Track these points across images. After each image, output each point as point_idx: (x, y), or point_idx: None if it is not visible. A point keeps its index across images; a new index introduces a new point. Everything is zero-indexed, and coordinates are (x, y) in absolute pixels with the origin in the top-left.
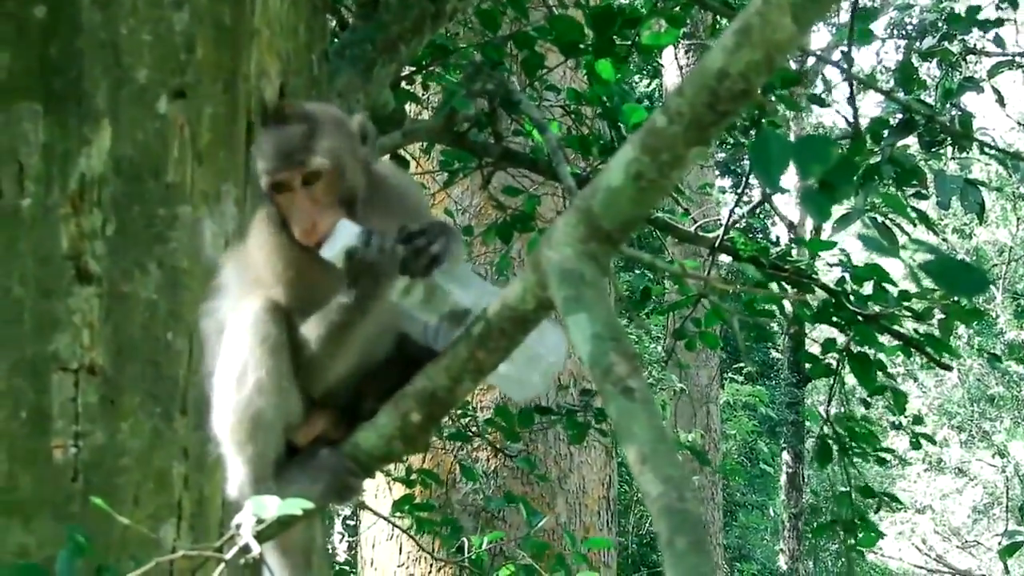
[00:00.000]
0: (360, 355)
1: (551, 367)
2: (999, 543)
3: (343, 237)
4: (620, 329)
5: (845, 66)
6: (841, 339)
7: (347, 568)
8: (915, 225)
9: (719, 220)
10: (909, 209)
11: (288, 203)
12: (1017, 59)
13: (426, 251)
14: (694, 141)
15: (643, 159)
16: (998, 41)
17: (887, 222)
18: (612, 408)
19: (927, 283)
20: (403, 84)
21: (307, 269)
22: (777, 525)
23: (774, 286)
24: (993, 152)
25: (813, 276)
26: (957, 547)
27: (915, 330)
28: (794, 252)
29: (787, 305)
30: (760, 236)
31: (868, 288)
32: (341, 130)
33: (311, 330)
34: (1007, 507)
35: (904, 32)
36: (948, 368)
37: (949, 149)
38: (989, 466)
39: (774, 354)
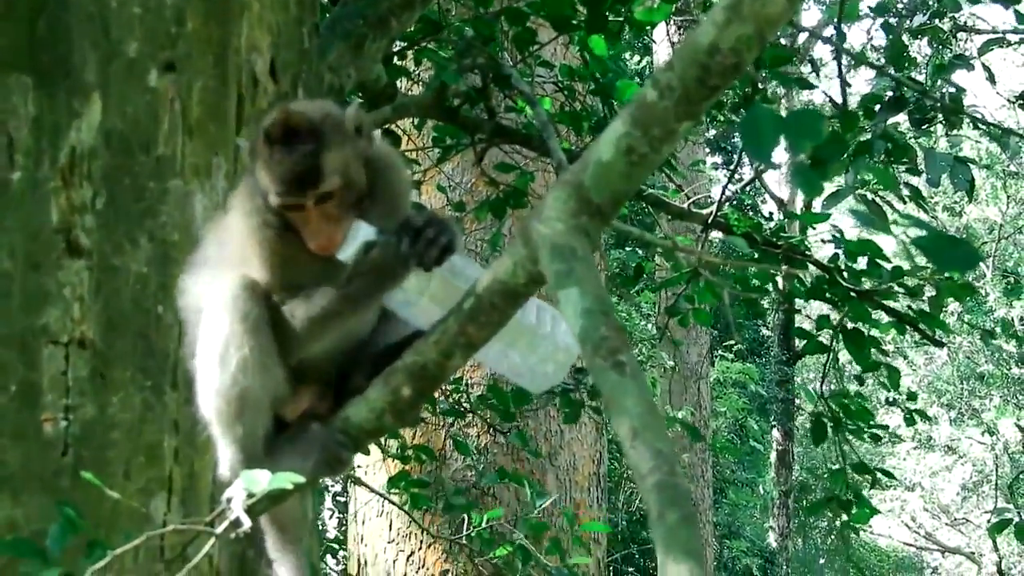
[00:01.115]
0: (348, 335)
1: (567, 358)
2: (988, 520)
3: (357, 237)
4: (610, 304)
5: (836, 41)
6: (834, 316)
7: (335, 545)
8: (905, 202)
9: (710, 197)
10: (901, 186)
11: (301, 220)
12: (1007, 36)
13: (436, 242)
14: (685, 116)
15: (634, 133)
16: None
17: (877, 199)
18: (603, 382)
19: (919, 259)
20: (394, 59)
21: (291, 254)
22: (767, 502)
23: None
24: (986, 127)
25: (806, 252)
26: (946, 524)
27: (908, 307)
28: (787, 229)
29: (779, 282)
30: (751, 214)
31: (862, 264)
32: (342, 135)
33: (298, 311)
34: (996, 485)
35: (895, 10)
36: (941, 345)
37: (939, 127)
38: (978, 444)
39: (764, 332)
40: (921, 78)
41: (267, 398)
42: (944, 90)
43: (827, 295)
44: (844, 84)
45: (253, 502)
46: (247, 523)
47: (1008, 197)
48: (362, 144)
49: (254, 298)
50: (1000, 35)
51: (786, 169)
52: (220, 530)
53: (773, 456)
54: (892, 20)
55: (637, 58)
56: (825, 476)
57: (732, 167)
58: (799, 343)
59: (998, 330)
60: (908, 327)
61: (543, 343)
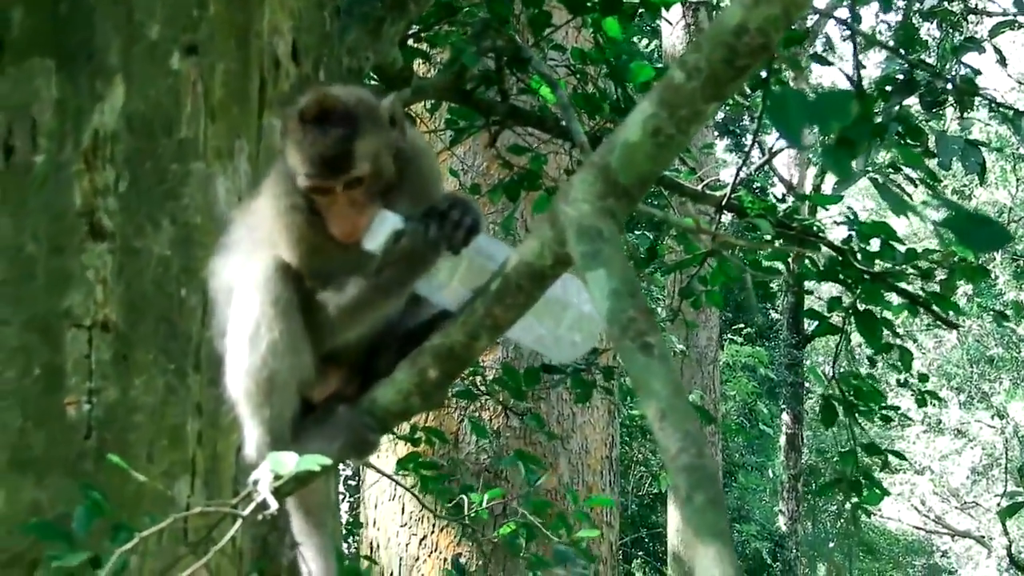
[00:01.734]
0: (378, 321)
1: (593, 327)
2: (998, 504)
3: (384, 228)
4: (638, 285)
5: (852, 24)
6: (846, 298)
7: (347, 529)
8: (916, 185)
9: (719, 180)
10: (913, 169)
11: (328, 204)
12: (1018, 19)
13: (462, 223)
14: (712, 97)
15: (661, 114)
16: None
17: (888, 181)
18: (631, 364)
19: (934, 243)
20: (411, 42)
21: (318, 239)
22: (776, 486)
23: (780, 243)
24: (1001, 110)
25: (820, 234)
26: (956, 508)
27: (922, 288)
28: (800, 211)
29: (790, 263)
30: (760, 196)
31: (875, 246)
32: (376, 123)
33: (330, 301)
34: (1006, 468)
35: None
36: (955, 326)
37: (949, 110)
38: (988, 427)
39: (774, 315)
40: (931, 61)
41: (295, 381)
42: (956, 72)
43: (840, 277)
44: (859, 66)
45: (280, 484)
46: (274, 505)
47: (1017, 180)
48: (395, 135)
49: (286, 281)
50: (1011, 17)
51: (794, 153)
52: (247, 512)
53: (782, 440)
54: (903, 2)
55: (645, 41)
56: (834, 460)
57: (747, 150)
58: (808, 326)
59: (1010, 313)
60: (921, 309)
61: (569, 313)
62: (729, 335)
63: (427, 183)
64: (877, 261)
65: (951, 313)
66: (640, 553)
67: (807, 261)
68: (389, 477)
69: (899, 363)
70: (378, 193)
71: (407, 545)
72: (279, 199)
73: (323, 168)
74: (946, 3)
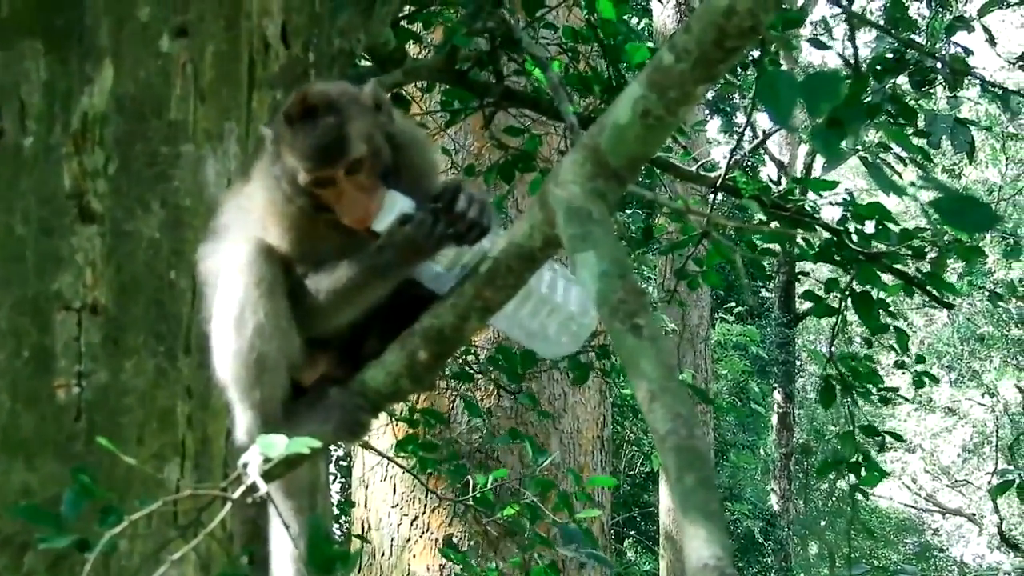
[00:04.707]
0: (370, 306)
1: (582, 328)
2: (988, 482)
3: (395, 209)
4: (628, 266)
5: (846, 4)
6: (843, 278)
7: (338, 510)
8: (905, 165)
9: (712, 160)
10: (904, 149)
11: (334, 195)
12: None
13: (478, 223)
14: (702, 78)
15: (650, 96)
16: None
17: (878, 161)
18: (621, 345)
19: (923, 222)
20: (403, 23)
21: (312, 228)
22: (768, 465)
23: (775, 225)
24: (991, 88)
25: (815, 215)
26: (947, 486)
27: (917, 269)
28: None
29: (785, 244)
30: (752, 175)
31: (869, 227)
32: (362, 108)
33: (324, 283)
34: (996, 446)
35: None
36: (950, 307)
37: (939, 89)
38: (979, 405)
39: (765, 294)
40: (920, 40)
41: (284, 362)
42: (946, 51)
43: (836, 257)
44: (855, 47)
45: (270, 467)
46: (263, 488)
47: (1007, 159)
48: (382, 119)
49: (269, 262)
50: None
51: (787, 133)
52: (237, 495)
53: (774, 419)
54: None
55: (636, 20)
56: (827, 438)
57: (741, 130)
58: (800, 305)
59: (1004, 292)
60: (916, 289)
61: (556, 314)
62: (720, 314)
63: (423, 171)
64: (872, 242)
65: (945, 293)
66: (632, 532)
67: (803, 242)
68: (387, 457)
69: (894, 344)
70: (381, 176)
71: (399, 526)
72: (271, 191)
73: (321, 157)
74: None
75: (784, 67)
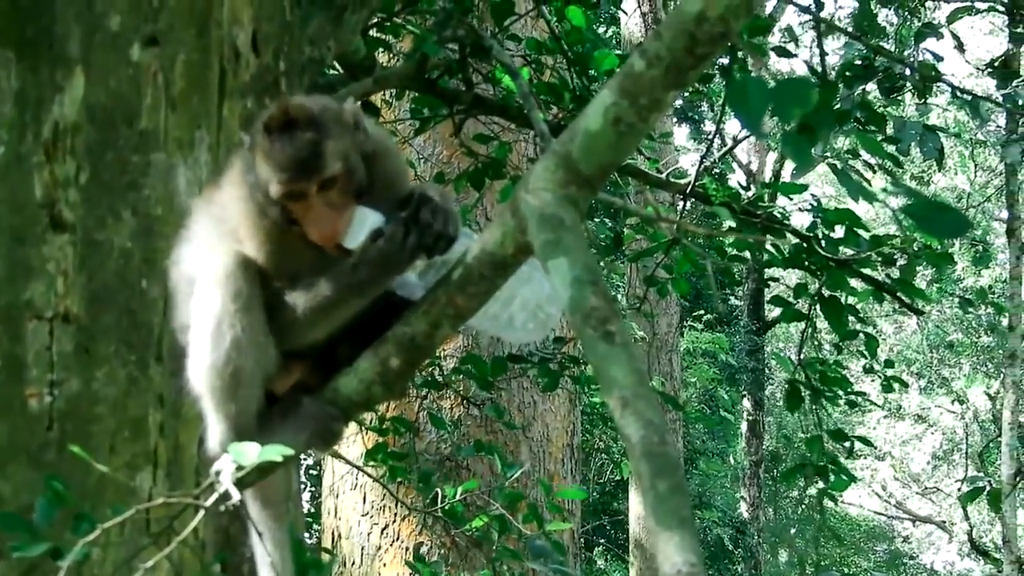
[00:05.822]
0: (346, 320)
1: (549, 317)
2: (958, 489)
3: (364, 226)
4: (599, 273)
5: (814, 12)
6: (811, 285)
7: (308, 519)
8: (874, 172)
9: (680, 168)
10: (873, 156)
11: (303, 210)
12: (976, 4)
13: (444, 233)
14: (672, 85)
15: (621, 103)
16: None
17: (847, 167)
18: (592, 352)
19: (892, 228)
20: (373, 31)
21: (285, 242)
22: (738, 472)
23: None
24: (962, 95)
25: (784, 221)
26: (917, 493)
27: (887, 275)
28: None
29: (755, 251)
30: (720, 182)
31: (839, 233)
32: (342, 126)
33: (301, 300)
34: (967, 453)
35: None
36: (920, 313)
37: (907, 96)
38: (948, 412)
39: (734, 301)
40: (889, 46)
41: (260, 375)
42: (915, 58)
43: (805, 264)
44: (823, 54)
45: (243, 475)
46: (236, 496)
47: (976, 166)
48: (360, 137)
49: (247, 275)
50: (969, 3)
51: (756, 139)
52: (209, 503)
53: (744, 426)
54: None
55: (603, 28)
56: (796, 445)
57: (711, 137)
58: (769, 312)
59: (974, 298)
60: (886, 295)
61: (527, 300)
62: (689, 321)
63: (394, 181)
64: (841, 248)
65: (916, 299)
66: (602, 541)
67: (772, 248)
68: (356, 467)
69: (863, 349)
70: (353, 195)
71: (368, 535)
72: (246, 202)
73: (295, 171)
74: None
75: (754, 74)
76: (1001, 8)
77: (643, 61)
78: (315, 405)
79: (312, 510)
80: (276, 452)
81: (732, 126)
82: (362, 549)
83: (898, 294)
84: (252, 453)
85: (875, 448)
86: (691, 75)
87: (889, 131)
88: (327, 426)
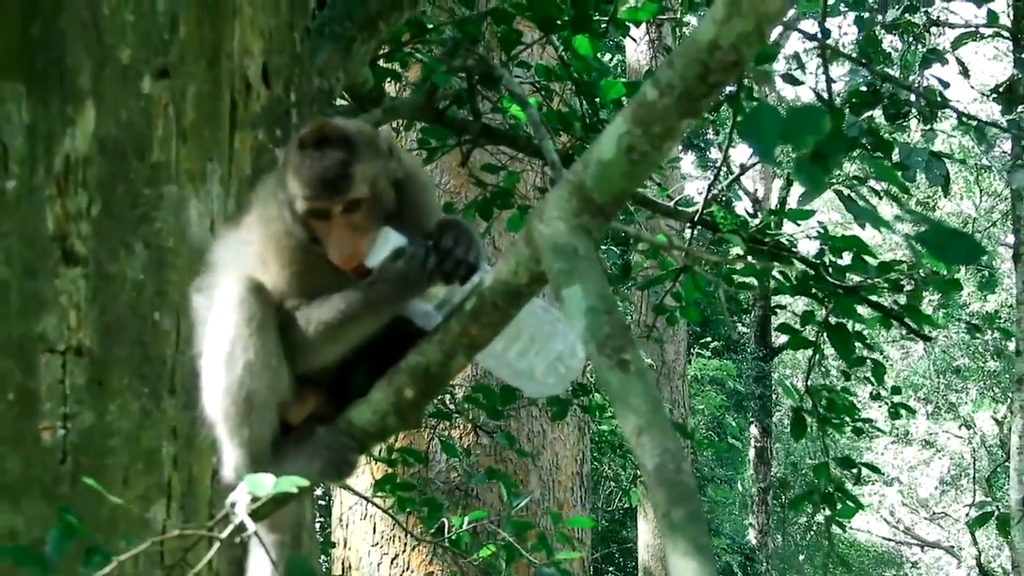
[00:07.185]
0: (359, 343)
1: (570, 370)
2: (967, 514)
3: (387, 245)
4: (614, 302)
5: (820, 38)
6: (820, 312)
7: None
8: (881, 198)
9: (687, 196)
10: (874, 181)
11: (326, 229)
12: (981, 30)
13: (464, 261)
14: (686, 113)
15: (635, 132)
16: None
17: (853, 194)
18: (608, 381)
19: (898, 254)
20: (382, 62)
21: (310, 262)
22: (746, 499)
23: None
24: (968, 121)
25: (792, 248)
26: (925, 519)
27: (895, 301)
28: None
29: (763, 278)
30: (728, 210)
31: (846, 260)
32: (375, 151)
33: (314, 314)
34: (974, 478)
35: (869, 4)
36: (928, 339)
37: (913, 122)
38: (956, 437)
39: (741, 328)
40: (894, 73)
41: (274, 400)
42: (921, 84)
43: (813, 291)
44: (829, 80)
45: (258, 506)
46: (252, 527)
47: (981, 191)
48: (392, 165)
49: (260, 300)
50: (973, 28)
51: (763, 167)
52: (224, 535)
53: (751, 453)
54: (865, 15)
55: (609, 56)
56: (805, 473)
57: (717, 165)
58: (776, 339)
59: (981, 324)
60: (893, 321)
61: (547, 351)
62: (696, 349)
63: (424, 212)
64: (849, 275)
65: (923, 325)
66: (611, 569)
67: (780, 275)
68: (364, 497)
69: (870, 376)
70: (379, 220)
71: (379, 565)
72: (270, 223)
73: (321, 189)
74: (908, 16)
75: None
76: (1006, 34)
77: (656, 90)
78: (329, 435)
79: (322, 540)
80: (291, 484)
81: (738, 153)
82: None
83: (905, 320)
84: (267, 484)
85: (883, 474)
86: (704, 103)
87: (895, 158)
88: (341, 456)
